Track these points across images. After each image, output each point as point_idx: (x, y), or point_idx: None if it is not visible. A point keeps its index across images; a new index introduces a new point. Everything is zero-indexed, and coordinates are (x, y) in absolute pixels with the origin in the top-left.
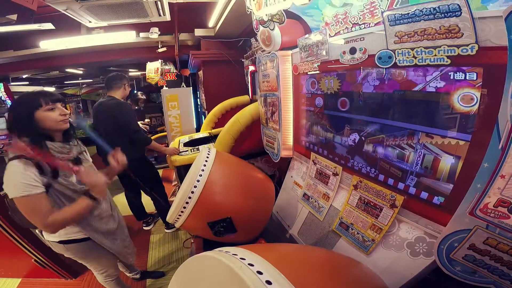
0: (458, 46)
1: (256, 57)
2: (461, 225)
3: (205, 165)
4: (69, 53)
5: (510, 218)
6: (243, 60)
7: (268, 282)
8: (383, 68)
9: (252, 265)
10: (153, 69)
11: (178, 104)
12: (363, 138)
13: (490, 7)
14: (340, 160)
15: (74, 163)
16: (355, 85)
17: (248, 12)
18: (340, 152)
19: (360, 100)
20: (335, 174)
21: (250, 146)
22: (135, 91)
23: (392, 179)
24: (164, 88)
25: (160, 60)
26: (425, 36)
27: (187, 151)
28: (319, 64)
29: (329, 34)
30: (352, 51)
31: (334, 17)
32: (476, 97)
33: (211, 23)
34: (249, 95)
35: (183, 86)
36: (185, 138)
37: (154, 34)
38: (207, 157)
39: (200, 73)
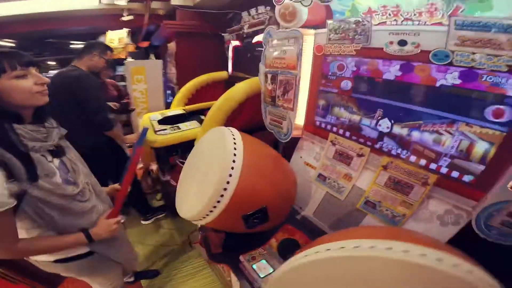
0: None
1: (266, 31)
2: (501, 197)
3: (235, 154)
4: None
5: None
6: (223, 34)
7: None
8: (437, 64)
9: (424, 255)
10: (116, 39)
11: (145, 78)
12: (397, 122)
13: None
14: (366, 142)
15: (55, 154)
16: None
17: None
18: (367, 134)
19: (400, 88)
20: (360, 155)
21: (241, 124)
22: None
23: (424, 160)
24: (129, 59)
25: (126, 29)
26: (489, 45)
27: (165, 129)
28: (358, 49)
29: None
30: (402, 43)
31: (381, 7)
32: None
33: None
34: (228, 71)
35: (151, 58)
36: (157, 115)
37: (121, 0)
38: (234, 141)
39: (171, 45)
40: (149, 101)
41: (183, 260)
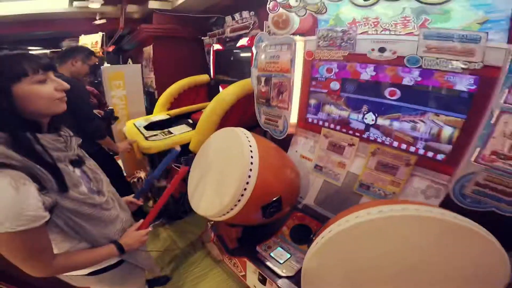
0: (470, 62)
1: (258, 36)
2: (468, 170)
3: (251, 151)
4: None
5: (498, 161)
6: (203, 38)
7: None
8: (410, 67)
9: (430, 211)
10: (90, 43)
11: (124, 84)
12: (380, 115)
13: (490, 34)
14: (355, 133)
15: (75, 164)
16: (379, 76)
17: None
18: (355, 127)
19: (381, 87)
20: (351, 145)
21: (232, 124)
22: None
23: (405, 145)
24: (106, 65)
25: (101, 33)
26: (450, 51)
27: (156, 135)
28: (345, 54)
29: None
30: (382, 50)
31: (364, 19)
32: (475, 93)
33: None
34: (209, 75)
35: (129, 63)
36: (141, 122)
37: (95, 3)
38: (249, 140)
39: (147, 49)
40: (129, 107)
41: (191, 263)
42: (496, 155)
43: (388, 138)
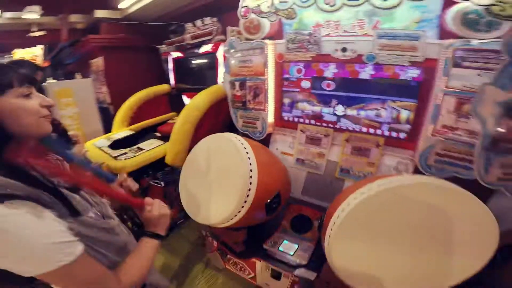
0: (414, 56)
1: (228, 42)
2: (427, 143)
3: (247, 152)
4: None
5: (449, 133)
6: (158, 46)
7: None
8: (368, 64)
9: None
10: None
11: (75, 101)
12: (349, 107)
13: (427, 33)
14: (328, 125)
15: (72, 190)
16: (344, 73)
17: None
18: (328, 119)
19: (346, 82)
20: (327, 136)
21: (205, 130)
22: None
23: (372, 129)
24: (51, 80)
25: (43, 46)
26: (399, 48)
27: (125, 153)
28: (314, 55)
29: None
30: (344, 50)
31: (326, 22)
32: (421, 81)
33: (124, 4)
34: (169, 84)
35: (76, 78)
36: (103, 141)
37: (32, 13)
38: (242, 143)
39: (96, 62)
40: (84, 127)
41: (193, 277)
42: (446, 128)
43: (357, 126)
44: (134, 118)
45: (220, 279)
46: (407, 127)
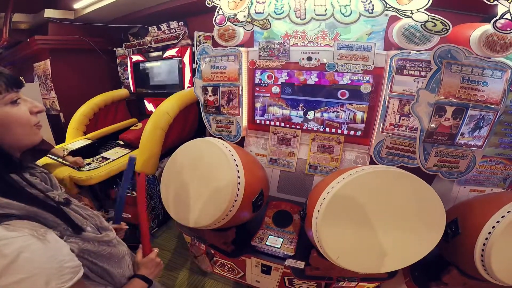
0: (366, 65)
1: (200, 48)
2: (379, 138)
3: (232, 155)
4: None
5: (395, 130)
6: (115, 49)
7: None
8: (330, 72)
9: (381, 167)
10: None
11: None
12: (314, 110)
13: (377, 44)
14: (296, 126)
15: (65, 204)
16: (308, 80)
17: (210, 5)
18: (296, 121)
19: (311, 88)
20: (295, 136)
21: (175, 135)
22: None
23: (334, 129)
24: None
25: None
26: (354, 58)
27: (89, 163)
28: (283, 63)
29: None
30: (309, 59)
31: (294, 32)
32: (372, 87)
33: (80, 4)
34: (129, 88)
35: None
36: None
37: None
38: (227, 147)
39: (41, 64)
40: None
41: (180, 284)
42: (393, 126)
43: (322, 126)
44: (90, 125)
45: (208, 283)
46: (362, 126)
